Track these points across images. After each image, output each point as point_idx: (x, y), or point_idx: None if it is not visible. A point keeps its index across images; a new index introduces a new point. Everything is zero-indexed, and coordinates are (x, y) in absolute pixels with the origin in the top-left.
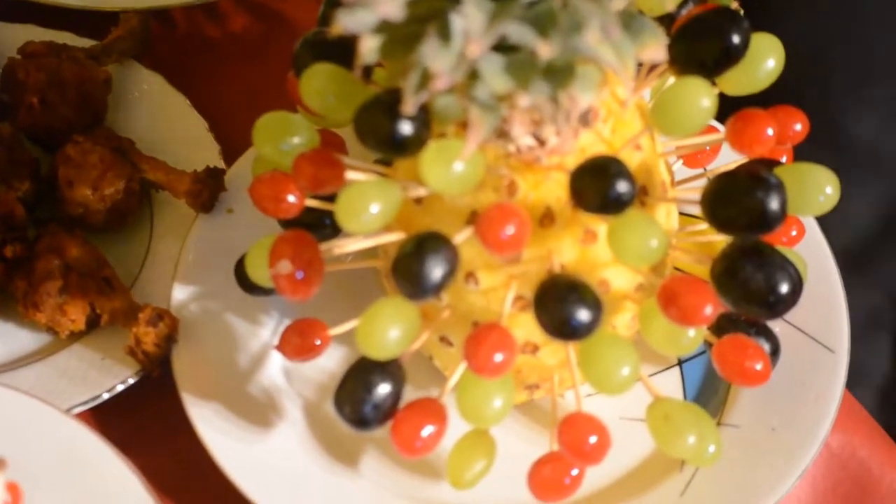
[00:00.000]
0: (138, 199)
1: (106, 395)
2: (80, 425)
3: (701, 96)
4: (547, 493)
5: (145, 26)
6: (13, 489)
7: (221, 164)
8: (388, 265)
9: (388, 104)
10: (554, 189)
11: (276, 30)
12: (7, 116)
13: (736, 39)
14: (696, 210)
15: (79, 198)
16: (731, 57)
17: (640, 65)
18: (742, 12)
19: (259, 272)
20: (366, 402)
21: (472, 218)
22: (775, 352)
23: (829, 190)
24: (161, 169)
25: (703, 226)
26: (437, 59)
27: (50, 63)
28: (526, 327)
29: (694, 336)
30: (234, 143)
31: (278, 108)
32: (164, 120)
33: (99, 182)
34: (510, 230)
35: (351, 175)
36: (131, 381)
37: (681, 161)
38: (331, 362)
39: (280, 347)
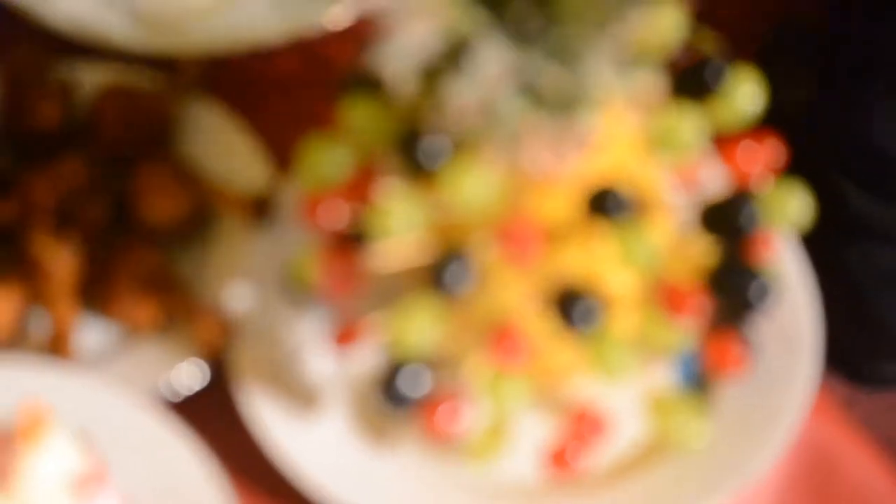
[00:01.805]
0: (202, 215)
1: (169, 392)
2: (157, 412)
3: (696, 122)
4: (556, 472)
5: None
6: (100, 463)
7: (274, 185)
8: (419, 271)
9: (419, 131)
10: (563, 205)
11: (324, 70)
12: (88, 145)
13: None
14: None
15: (150, 216)
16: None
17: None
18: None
19: (308, 277)
20: (398, 388)
21: (490, 230)
22: (754, 345)
23: (805, 207)
24: (221, 189)
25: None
26: (460, 88)
27: (125, 100)
28: (539, 327)
29: (686, 334)
30: (285, 166)
31: (324, 134)
32: (223, 144)
33: (167, 201)
34: (525, 242)
35: (387, 193)
36: (194, 377)
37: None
38: (370, 356)
39: (328, 343)
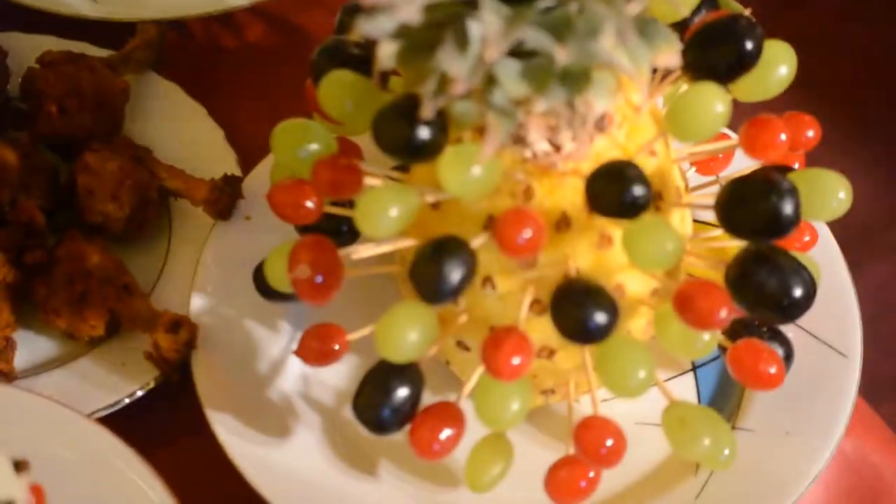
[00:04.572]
0: (156, 207)
1: (127, 400)
2: (101, 429)
3: (715, 102)
4: (563, 497)
5: (162, 36)
6: (37, 491)
7: (238, 172)
8: (405, 270)
9: (406, 110)
10: (570, 194)
11: (293, 39)
12: (26, 125)
13: (749, 46)
14: (710, 217)
15: (98, 206)
16: (744, 63)
17: (654, 71)
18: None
19: (278, 277)
20: (384, 405)
21: (489, 223)
22: (788, 356)
23: (841, 195)
24: (179, 177)
25: (717, 232)
26: (454, 64)
27: (69, 72)
28: (542, 332)
29: (708, 340)
30: (250, 151)
31: (295, 116)
32: (181, 129)
33: (118, 190)
34: (527, 234)
35: (369, 181)
36: (151, 386)
37: (693, 168)
38: (349, 368)
39: (299, 352)
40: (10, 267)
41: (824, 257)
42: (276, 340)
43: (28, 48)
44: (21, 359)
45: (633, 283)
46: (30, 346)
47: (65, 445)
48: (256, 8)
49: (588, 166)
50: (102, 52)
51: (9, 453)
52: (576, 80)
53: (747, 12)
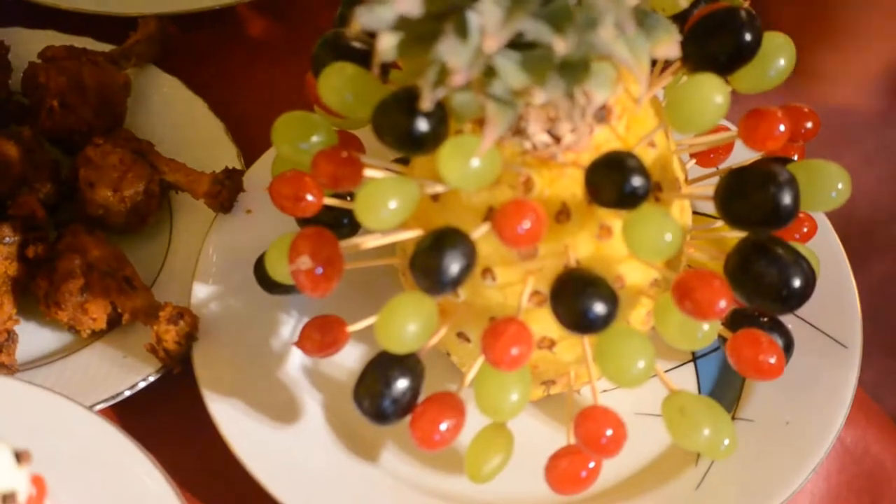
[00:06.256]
0: (158, 201)
1: (128, 392)
2: (103, 421)
3: (714, 93)
4: (564, 486)
5: (163, 31)
6: (38, 482)
7: (240, 166)
8: (405, 262)
9: (406, 101)
10: (569, 185)
11: (293, 32)
12: (28, 119)
13: (748, 37)
14: (709, 208)
15: (99, 199)
16: (743, 55)
17: (653, 62)
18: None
19: (279, 270)
20: (385, 396)
21: (489, 214)
22: (788, 347)
23: (840, 186)
24: (180, 170)
25: (716, 224)
26: (454, 55)
27: (70, 67)
28: (542, 322)
29: (708, 330)
30: (252, 144)
31: (296, 109)
32: (183, 123)
33: (119, 183)
34: (526, 225)
35: (369, 173)
36: (153, 378)
37: (693, 160)
38: (349, 359)
39: (299, 344)
40: (11, 260)
41: (824, 249)
42: (277, 332)
43: (30, 43)
44: (23, 351)
45: (633, 274)
46: (32, 339)
47: (66, 437)
48: (257, 2)
49: (588, 157)
50: (104, 47)
51: (10, 444)
52: (575, 71)
53: (746, 4)
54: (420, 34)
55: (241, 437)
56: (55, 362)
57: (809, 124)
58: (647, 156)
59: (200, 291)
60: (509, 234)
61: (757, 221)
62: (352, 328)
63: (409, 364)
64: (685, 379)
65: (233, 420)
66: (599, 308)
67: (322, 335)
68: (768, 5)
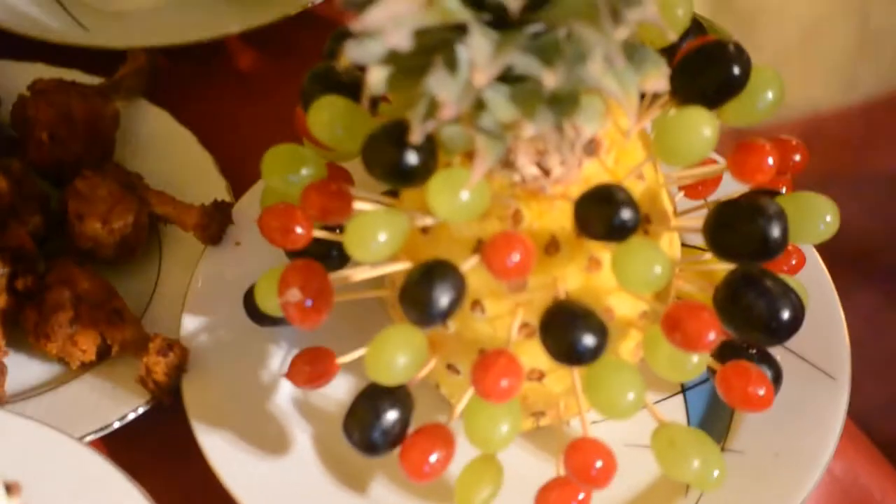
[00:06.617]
0: (147, 233)
1: (117, 424)
2: (92, 452)
3: (703, 125)
4: None
5: (152, 64)
6: None
7: (229, 198)
8: (395, 294)
9: (396, 134)
10: (559, 218)
11: (283, 65)
12: (16, 152)
13: (737, 71)
14: (698, 240)
15: (88, 231)
16: (731, 88)
17: (642, 95)
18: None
19: (268, 302)
20: (374, 427)
21: (478, 246)
22: (777, 378)
23: (828, 218)
24: (169, 203)
25: (705, 256)
26: (443, 88)
27: (59, 99)
28: (532, 354)
29: (697, 362)
30: (241, 177)
31: (286, 142)
32: (172, 156)
33: (108, 216)
34: (516, 257)
35: (359, 205)
36: (142, 409)
37: (681, 193)
38: (339, 391)
39: (289, 376)
40: (0, 292)
41: (813, 280)
42: (267, 364)
43: (18, 76)
44: (12, 383)
45: (623, 306)
46: (21, 371)
47: (56, 469)
48: (246, 35)
49: (577, 190)
50: (93, 80)
51: (0, 476)
52: (564, 104)
53: (734, 38)
54: (409, 67)
55: (231, 468)
56: (44, 394)
57: (798, 157)
58: (636, 188)
59: (190, 323)
60: (499, 267)
61: (746, 254)
62: (341, 360)
63: (399, 396)
64: (674, 410)
65: (223, 452)
66: (589, 340)
67: (312, 367)
68: None
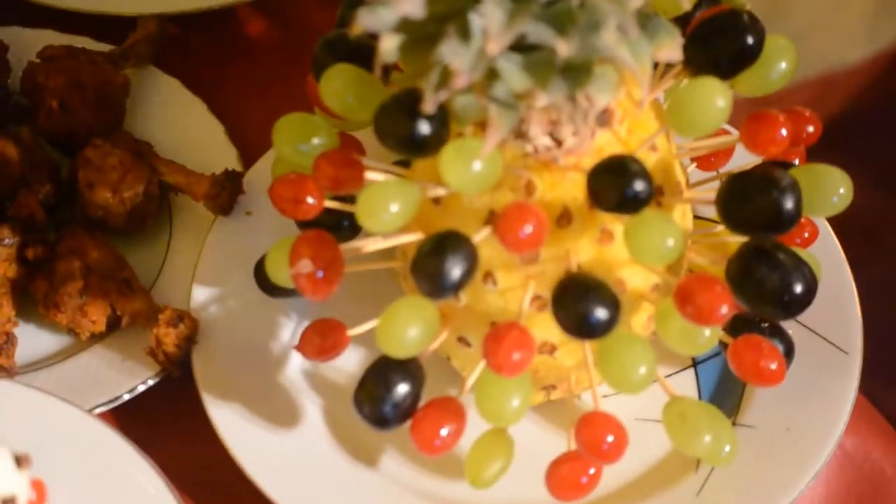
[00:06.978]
0: (157, 202)
1: (127, 396)
2: (102, 424)
3: (716, 96)
4: (564, 492)
5: (163, 31)
6: (38, 486)
7: (239, 168)
8: (406, 265)
9: (408, 104)
10: (571, 189)
11: (294, 33)
12: (26, 120)
13: (751, 41)
14: (710, 212)
15: (99, 200)
16: (745, 58)
17: (655, 65)
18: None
19: (279, 273)
20: (385, 400)
21: (491, 218)
22: (789, 352)
23: (842, 190)
24: (180, 172)
25: (718, 228)
26: (456, 57)
27: (69, 66)
28: (543, 327)
29: (709, 336)
30: (251, 146)
31: (297, 111)
32: (182, 124)
33: (118, 185)
34: (528, 229)
35: (370, 175)
36: (152, 381)
37: (694, 164)
38: (350, 363)
39: (300, 348)
40: (11, 262)
41: (825, 254)
42: (277, 336)
43: (28, 43)
44: (22, 354)
45: (635, 279)
46: (31, 342)
47: (66, 441)
48: (258, 2)
49: (589, 161)
50: (103, 47)
51: (10, 448)
52: (577, 74)
53: (748, 7)
54: (422, 36)
55: (241, 440)
56: (54, 365)
57: (811, 128)
58: (649, 160)
59: (200, 294)
60: (511, 238)
61: (759, 226)
62: (352, 332)
63: (410, 369)
64: (685, 384)
65: (232, 424)
66: (601, 313)
67: (322, 339)
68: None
